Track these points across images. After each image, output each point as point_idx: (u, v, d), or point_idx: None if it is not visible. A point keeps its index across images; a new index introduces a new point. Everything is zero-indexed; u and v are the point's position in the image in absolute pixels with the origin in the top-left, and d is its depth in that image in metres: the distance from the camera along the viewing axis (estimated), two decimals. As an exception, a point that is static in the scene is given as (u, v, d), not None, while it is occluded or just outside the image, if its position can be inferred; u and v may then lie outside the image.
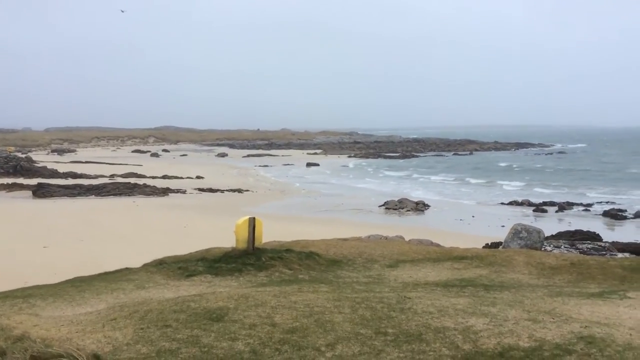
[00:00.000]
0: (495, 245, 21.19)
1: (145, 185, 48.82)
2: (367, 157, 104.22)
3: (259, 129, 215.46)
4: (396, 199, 41.96)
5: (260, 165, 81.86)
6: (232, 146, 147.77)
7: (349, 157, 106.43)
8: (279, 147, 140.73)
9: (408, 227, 29.83)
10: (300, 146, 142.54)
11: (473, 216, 36.16)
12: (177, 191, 47.29)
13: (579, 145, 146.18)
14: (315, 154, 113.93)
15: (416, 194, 47.52)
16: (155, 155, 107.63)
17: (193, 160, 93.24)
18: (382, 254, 14.98)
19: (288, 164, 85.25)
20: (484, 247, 20.50)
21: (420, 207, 40.13)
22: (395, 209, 39.37)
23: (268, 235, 17.28)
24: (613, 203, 41.56)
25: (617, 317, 8.04)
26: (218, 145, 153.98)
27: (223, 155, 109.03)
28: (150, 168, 68.82)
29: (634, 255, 17.95)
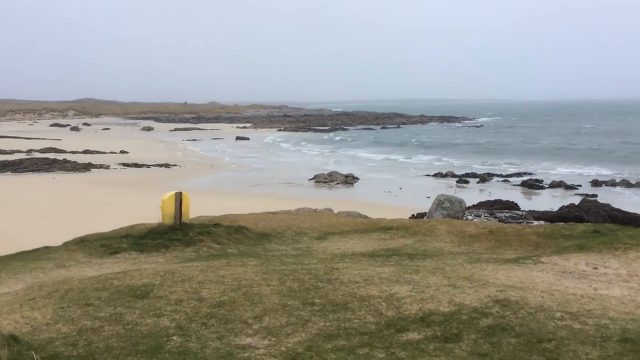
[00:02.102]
0: (420, 215, 21.84)
1: (65, 161, 46.79)
2: (297, 131, 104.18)
3: (186, 102, 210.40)
4: (326, 172, 42.34)
5: (188, 140, 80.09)
6: (158, 120, 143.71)
7: (279, 130, 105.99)
8: (208, 120, 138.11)
9: (337, 200, 30.21)
10: (230, 120, 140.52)
11: (400, 188, 37.06)
12: (100, 166, 45.60)
13: (496, 118, 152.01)
14: (245, 127, 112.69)
15: (346, 167, 48.09)
16: (75, 129, 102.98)
17: (116, 134, 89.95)
18: (311, 226, 15.13)
19: (217, 138, 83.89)
20: (410, 217, 21.11)
21: (349, 180, 40.69)
22: (325, 182, 39.73)
23: (196, 210, 17.03)
24: (530, 174, 43.71)
25: (531, 280, 8.51)
26: (143, 118, 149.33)
27: (149, 129, 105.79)
28: (70, 142, 65.85)
29: (548, 223, 19.06)
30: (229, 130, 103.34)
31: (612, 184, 38.37)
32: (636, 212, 25.60)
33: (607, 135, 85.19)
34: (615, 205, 26.38)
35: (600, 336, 5.93)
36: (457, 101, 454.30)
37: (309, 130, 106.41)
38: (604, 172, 43.83)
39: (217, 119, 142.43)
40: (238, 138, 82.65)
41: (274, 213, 17.17)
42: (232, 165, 49.89)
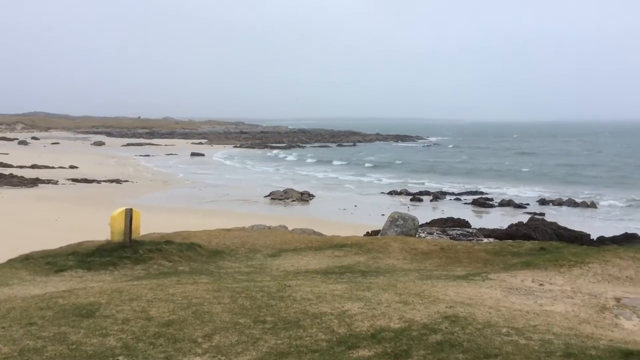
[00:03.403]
0: (375, 233, 22.06)
1: (11, 176, 45.22)
2: (254, 148, 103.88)
3: (140, 117, 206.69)
4: (282, 190, 42.28)
5: (141, 155, 78.70)
6: (110, 134, 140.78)
7: (235, 147, 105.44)
8: (162, 136, 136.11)
9: (292, 217, 30.17)
10: (185, 135, 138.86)
11: (355, 206, 37.34)
12: (48, 182, 44.22)
13: (447, 138, 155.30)
14: (201, 143, 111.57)
15: (302, 185, 48.14)
16: (23, 143, 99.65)
17: (66, 149, 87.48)
18: (265, 243, 15.05)
19: (171, 154, 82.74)
20: (364, 235, 21.29)
21: (305, 197, 40.74)
22: (281, 199, 39.65)
23: (148, 227, 16.70)
24: (481, 193, 44.73)
25: (479, 297, 8.69)
26: (95, 133, 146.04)
27: (100, 143, 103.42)
28: (17, 157, 63.70)
29: (498, 240, 19.54)
30: (183, 146, 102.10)
31: (559, 203, 39.69)
32: (581, 230, 26.58)
33: (551, 156, 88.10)
34: (562, 224, 27.31)
35: (544, 351, 6.08)
36: (412, 120, 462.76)
37: (266, 147, 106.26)
38: (546, 193, 45.12)
39: (171, 135, 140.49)
40: (193, 154, 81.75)
41: (228, 230, 16.99)
42: (187, 182, 49.23)
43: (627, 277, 10.26)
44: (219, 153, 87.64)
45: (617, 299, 8.94)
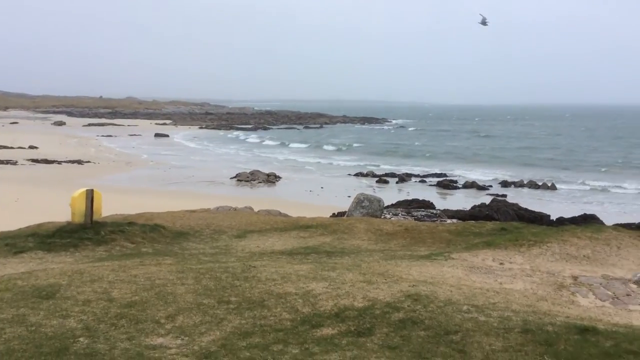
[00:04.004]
0: (341, 214, 22.16)
1: (-33, 156, 43.73)
2: (220, 129, 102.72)
3: (102, 97, 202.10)
4: (248, 171, 42.04)
5: (103, 135, 77.04)
6: (71, 114, 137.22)
7: (201, 128, 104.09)
8: (125, 116, 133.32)
9: (259, 199, 30.08)
10: (148, 116, 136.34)
11: (322, 187, 37.42)
12: (7, 162, 42.97)
13: (411, 120, 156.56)
14: (165, 124, 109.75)
15: (268, 166, 47.95)
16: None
17: (25, 129, 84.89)
18: (230, 224, 14.98)
19: (135, 134, 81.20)
20: (330, 216, 21.37)
21: (272, 178, 40.61)
22: (247, 181, 39.45)
23: (111, 208, 16.43)
24: (445, 175, 45.32)
25: (441, 276, 8.85)
26: (55, 112, 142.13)
27: (60, 123, 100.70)
28: (-27, 136, 61.57)
29: (461, 221, 19.89)
30: (147, 126, 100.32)
31: (520, 185, 40.54)
32: (541, 211, 27.25)
33: (511, 139, 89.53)
34: (523, 205, 27.94)
35: (503, 328, 6.24)
36: (378, 102, 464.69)
37: (232, 128, 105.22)
38: (507, 175, 45.80)
39: (134, 115, 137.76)
40: (157, 135, 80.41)
41: (193, 211, 16.84)
42: (150, 163, 48.47)
43: (584, 256, 10.58)
44: (183, 134, 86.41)
45: (574, 277, 9.23)
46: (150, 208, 18.98)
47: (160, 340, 6.08)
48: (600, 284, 8.98)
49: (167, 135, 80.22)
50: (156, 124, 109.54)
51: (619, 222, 22.69)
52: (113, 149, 59.42)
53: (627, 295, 8.55)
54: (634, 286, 8.94)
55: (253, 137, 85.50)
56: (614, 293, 8.58)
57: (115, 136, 77.04)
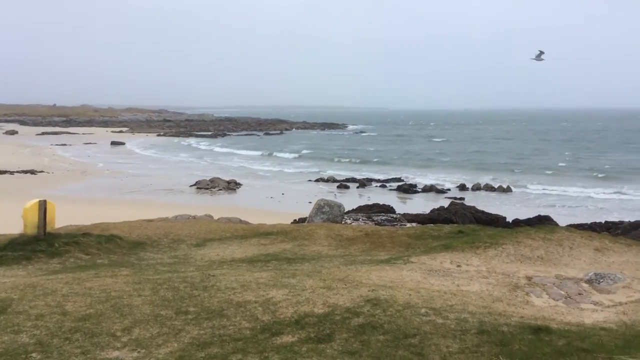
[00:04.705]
0: (301, 220, 22.16)
1: None
2: (178, 136, 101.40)
3: (55, 105, 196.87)
4: (208, 179, 41.61)
5: (57, 144, 75.03)
6: (23, 123, 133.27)
7: (159, 135, 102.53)
8: (80, 124, 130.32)
9: (219, 206, 29.83)
10: (104, 124, 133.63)
11: (283, 194, 37.34)
12: (-46, 173, 41.38)
13: (371, 126, 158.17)
14: (121, 132, 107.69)
15: (229, 173, 47.56)
16: None
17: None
18: (189, 233, 14.79)
19: (90, 143, 79.40)
20: (291, 222, 21.33)
21: (232, 186, 40.31)
22: (207, 189, 39.05)
23: (65, 219, 16.02)
24: (403, 180, 45.77)
25: (401, 279, 8.94)
26: (6, 121, 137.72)
27: (12, 132, 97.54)
28: None
29: (420, 224, 20.13)
30: (103, 134, 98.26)
31: (478, 188, 41.39)
32: (498, 213, 27.87)
33: (466, 143, 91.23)
34: (480, 208, 28.51)
35: (460, 329, 6.35)
36: (339, 108, 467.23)
37: (191, 135, 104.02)
38: (463, 179, 46.56)
39: (90, 123, 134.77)
40: (113, 143, 78.81)
41: (150, 221, 16.56)
42: (106, 172, 47.45)
43: (538, 256, 10.86)
44: (141, 142, 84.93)
45: (529, 278, 9.46)
46: (106, 218, 18.59)
47: (116, 353, 5.95)
48: (554, 283, 9.23)
49: (124, 143, 78.75)
50: (112, 131, 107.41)
51: (571, 222, 23.45)
52: (67, 158, 57.94)
53: (579, 294, 8.81)
54: (585, 285, 9.22)
55: (213, 144, 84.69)
56: (566, 292, 8.83)
57: (70, 145, 75.19)
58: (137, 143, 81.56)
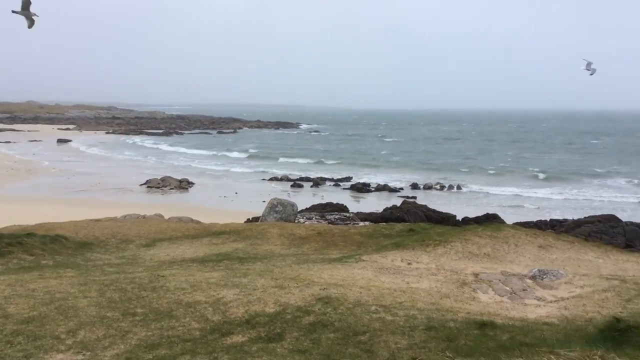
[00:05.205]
0: (255, 219, 22.04)
1: None
2: (128, 134, 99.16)
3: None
4: (159, 177, 40.88)
5: (0, 142, 72.15)
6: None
7: (108, 133, 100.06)
8: (25, 121, 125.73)
9: (170, 206, 29.37)
10: (51, 120, 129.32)
11: (236, 193, 37.06)
12: None
13: (323, 125, 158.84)
14: (68, 129, 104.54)
15: (180, 172, 46.83)
16: None
17: None
18: (139, 233, 14.50)
19: (35, 140, 76.77)
20: (244, 222, 21.19)
21: (184, 185, 39.73)
22: (158, 187, 38.37)
23: (9, 219, 15.51)
24: (353, 179, 46.06)
25: (352, 278, 9.01)
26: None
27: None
28: None
29: (372, 223, 20.35)
30: (49, 131, 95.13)
31: (429, 187, 42.16)
32: (448, 212, 28.46)
33: (416, 143, 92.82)
34: (431, 206, 29.05)
35: (408, 326, 6.45)
36: (291, 107, 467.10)
37: (141, 133, 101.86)
38: (414, 178, 47.34)
39: (35, 120, 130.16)
40: (60, 140, 76.37)
41: (98, 220, 16.15)
42: (53, 170, 45.98)
43: (484, 253, 11.16)
44: (89, 139, 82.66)
45: (476, 274, 9.70)
46: (52, 218, 18.01)
47: (60, 356, 5.78)
48: (499, 280, 9.50)
49: (71, 141, 76.50)
50: (59, 129, 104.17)
51: (517, 220, 24.16)
52: (12, 156, 55.83)
53: (524, 290, 9.09)
54: (529, 281, 9.52)
55: (164, 143, 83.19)
56: (511, 288, 9.10)
57: (14, 142, 72.51)
58: (84, 140, 79.34)
